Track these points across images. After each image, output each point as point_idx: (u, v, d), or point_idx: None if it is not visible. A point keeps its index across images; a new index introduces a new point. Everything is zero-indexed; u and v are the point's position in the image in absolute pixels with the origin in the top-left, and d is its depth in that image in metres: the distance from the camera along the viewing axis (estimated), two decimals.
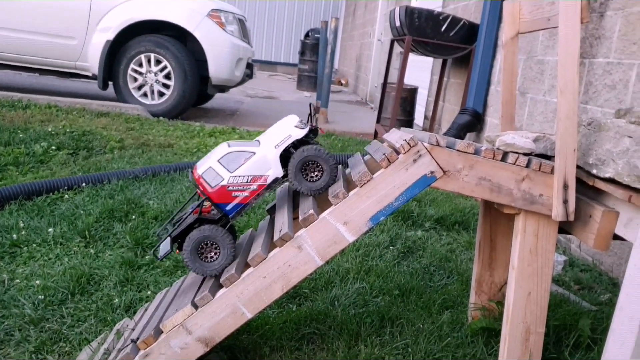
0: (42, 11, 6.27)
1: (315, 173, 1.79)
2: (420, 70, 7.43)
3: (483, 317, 2.18)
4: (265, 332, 2.10)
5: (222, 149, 1.79)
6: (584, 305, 2.51)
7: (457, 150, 1.69)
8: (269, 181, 1.78)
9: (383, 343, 2.09)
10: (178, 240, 1.81)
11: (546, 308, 1.81)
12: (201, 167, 1.77)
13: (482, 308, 2.22)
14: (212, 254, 1.78)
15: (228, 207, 1.77)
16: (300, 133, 1.79)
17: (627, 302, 1.54)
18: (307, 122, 1.91)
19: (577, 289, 2.84)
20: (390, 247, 3.05)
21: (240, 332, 2.05)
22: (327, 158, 1.78)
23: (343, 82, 16.16)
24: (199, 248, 1.77)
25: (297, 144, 1.81)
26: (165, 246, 1.82)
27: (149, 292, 2.36)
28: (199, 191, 1.80)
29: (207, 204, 1.81)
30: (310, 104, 2.11)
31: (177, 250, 1.81)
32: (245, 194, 1.77)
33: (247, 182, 1.76)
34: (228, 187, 1.75)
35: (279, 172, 1.79)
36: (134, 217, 3.11)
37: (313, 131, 1.86)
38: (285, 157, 1.81)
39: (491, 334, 2.10)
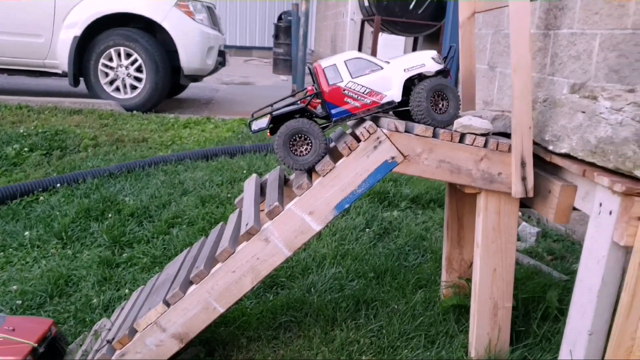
0: (6, 10, 6.16)
1: (443, 103, 1.76)
2: (394, 49, 7.42)
3: (454, 294, 2.22)
4: (242, 323, 2.13)
5: (353, 52, 1.76)
6: (555, 275, 2.56)
7: (416, 134, 1.71)
8: (383, 101, 1.75)
9: (358, 326, 2.13)
10: (274, 124, 1.77)
11: (512, 283, 1.86)
12: (326, 62, 1.75)
13: (453, 285, 2.27)
14: (303, 148, 1.76)
15: (335, 110, 1.74)
16: (434, 67, 1.77)
17: (586, 274, 1.58)
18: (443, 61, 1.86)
19: (550, 259, 2.89)
20: (366, 230, 3.08)
21: (217, 324, 2.07)
22: (454, 90, 1.75)
23: None
24: (292, 139, 1.75)
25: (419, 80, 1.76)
26: (261, 123, 1.78)
27: (126, 290, 2.38)
28: (312, 87, 1.77)
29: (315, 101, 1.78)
30: (450, 46, 2.01)
31: (269, 134, 1.78)
32: (357, 104, 1.74)
33: (363, 92, 1.74)
34: (344, 90, 1.73)
35: (398, 97, 1.76)
36: (110, 215, 3.11)
37: (443, 72, 1.82)
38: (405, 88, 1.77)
39: (462, 310, 2.14)
